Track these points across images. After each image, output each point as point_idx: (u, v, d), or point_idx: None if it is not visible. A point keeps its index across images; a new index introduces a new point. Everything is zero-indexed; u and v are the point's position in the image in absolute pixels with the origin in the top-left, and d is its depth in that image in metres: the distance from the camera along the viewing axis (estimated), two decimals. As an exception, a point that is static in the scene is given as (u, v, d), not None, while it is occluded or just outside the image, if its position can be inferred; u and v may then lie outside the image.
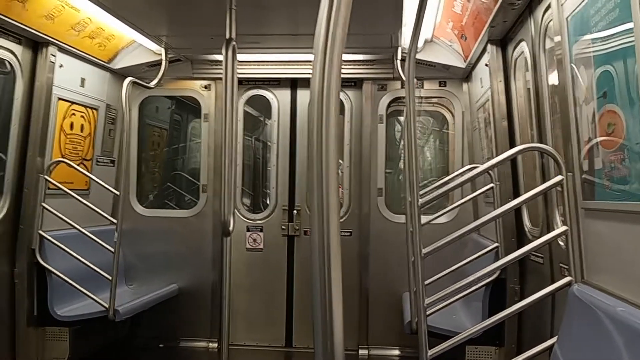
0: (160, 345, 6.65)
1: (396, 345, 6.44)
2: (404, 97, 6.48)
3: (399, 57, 6.02)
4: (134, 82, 5.53)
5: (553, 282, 3.42)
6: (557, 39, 3.26)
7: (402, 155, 6.86)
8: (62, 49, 5.39)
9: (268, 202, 7.00)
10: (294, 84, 6.87)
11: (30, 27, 4.86)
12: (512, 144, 4.77)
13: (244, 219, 6.83)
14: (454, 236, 3.56)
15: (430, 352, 3.36)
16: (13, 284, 5.19)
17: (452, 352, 3.55)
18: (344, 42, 1.07)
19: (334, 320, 1.07)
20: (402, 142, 7.00)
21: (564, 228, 3.23)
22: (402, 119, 6.92)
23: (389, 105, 6.68)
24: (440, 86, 6.56)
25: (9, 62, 5.04)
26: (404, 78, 5.88)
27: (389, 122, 6.77)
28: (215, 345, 6.63)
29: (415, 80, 4.54)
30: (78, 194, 5.54)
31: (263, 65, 6.59)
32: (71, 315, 5.37)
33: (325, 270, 1.06)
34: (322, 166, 1.03)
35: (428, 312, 3.57)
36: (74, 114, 5.78)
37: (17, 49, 5.04)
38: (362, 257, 6.50)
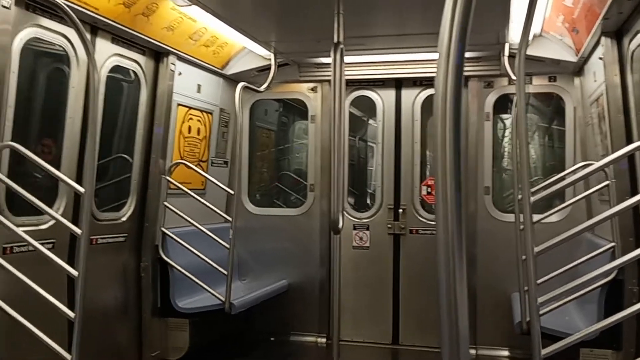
0: (272, 339, 6.91)
1: (505, 345, 6.31)
2: (511, 94, 6.38)
3: (506, 53, 5.90)
4: (245, 87, 5.78)
5: (676, 283, 3.28)
6: (679, 29, 3.13)
7: (508, 152, 6.72)
8: (180, 58, 5.76)
9: (372, 201, 7.09)
10: (399, 84, 6.90)
11: (153, 39, 5.24)
12: (629, 140, 4.57)
13: (351, 218, 6.95)
14: (567, 235, 3.47)
15: (543, 352, 3.30)
16: (139, 278, 5.60)
17: (566, 354, 3.48)
18: (467, 41, 1.12)
19: (459, 317, 1.09)
20: (506, 139, 6.86)
21: (688, 227, 3.10)
22: (505, 116, 6.77)
23: (495, 103, 6.57)
24: (550, 81, 6.36)
25: (134, 72, 5.45)
26: (511, 75, 5.79)
27: (495, 119, 6.66)
28: (324, 340, 6.80)
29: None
30: (195, 194, 5.87)
31: (368, 66, 6.68)
32: (190, 307, 5.70)
33: (451, 268, 1.09)
34: (447, 163, 1.09)
35: (541, 312, 3.51)
36: (191, 118, 6.14)
37: (141, 59, 5.45)
38: (469, 256, 6.40)
